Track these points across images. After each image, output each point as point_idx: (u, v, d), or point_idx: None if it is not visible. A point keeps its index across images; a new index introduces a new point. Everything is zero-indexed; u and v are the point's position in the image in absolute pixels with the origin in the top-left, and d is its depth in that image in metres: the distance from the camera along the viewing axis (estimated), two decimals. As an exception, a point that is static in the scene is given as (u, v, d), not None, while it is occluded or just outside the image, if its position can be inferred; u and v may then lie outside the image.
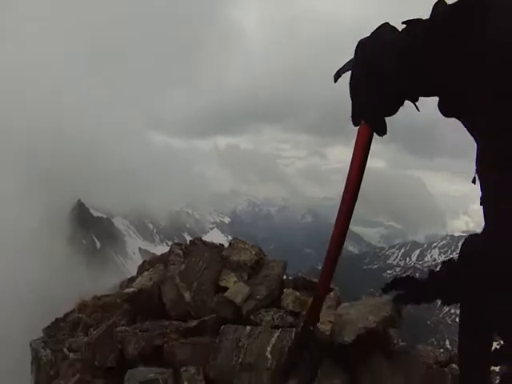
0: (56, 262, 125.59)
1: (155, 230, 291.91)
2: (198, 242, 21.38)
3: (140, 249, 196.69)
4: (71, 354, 6.50)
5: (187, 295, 5.60)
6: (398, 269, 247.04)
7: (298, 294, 4.56)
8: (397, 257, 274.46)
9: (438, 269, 3.27)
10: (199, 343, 4.63)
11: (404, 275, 3.83)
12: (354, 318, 4.27)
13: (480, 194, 1.78)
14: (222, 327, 4.35)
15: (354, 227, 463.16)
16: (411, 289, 3.49)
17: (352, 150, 2.41)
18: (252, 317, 4.90)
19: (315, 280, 5.96)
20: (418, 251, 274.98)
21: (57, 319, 9.67)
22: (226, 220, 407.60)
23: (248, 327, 4.21)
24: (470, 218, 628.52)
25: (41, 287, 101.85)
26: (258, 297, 5.24)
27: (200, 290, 5.78)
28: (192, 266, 6.10)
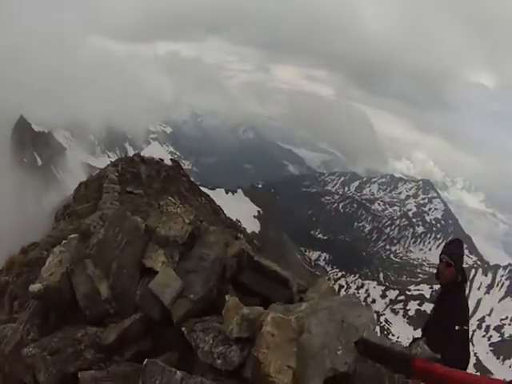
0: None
1: (96, 142, 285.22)
2: (136, 159, 19.75)
3: (81, 162, 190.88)
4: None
5: (104, 289, 4.55)
6: (336, 196, 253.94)
7: (245, 311, 3.42)
8: (336, 184, 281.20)
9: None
10: (118, 375, 3.52)
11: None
12: (318, 350, 3.38)
13: None
14: (145, 362, 3.21)
15: (295, 148, 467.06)
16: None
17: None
18: (184, 330, 3.81)
19: (262, 261, 4.97)
20: (357, 183, 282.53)
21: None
22: (168, 130, 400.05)
23: (179, 374, 3.09)
24: (412, 163, 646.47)
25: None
26: (191, 296, 4.20)
27: (120, 275, 4.72)
28: (109, 240, 4.99)
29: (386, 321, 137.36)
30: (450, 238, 5.91)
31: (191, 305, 4.08)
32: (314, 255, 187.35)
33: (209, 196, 24.12)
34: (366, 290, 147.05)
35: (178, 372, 3.06)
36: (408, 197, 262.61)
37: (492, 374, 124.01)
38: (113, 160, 18.26)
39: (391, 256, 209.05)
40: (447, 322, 4.99)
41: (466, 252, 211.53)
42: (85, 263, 4.74)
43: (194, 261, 4.63)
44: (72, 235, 5.31)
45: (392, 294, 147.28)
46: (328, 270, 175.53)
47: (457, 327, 4.92)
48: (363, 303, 4.03)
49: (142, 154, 19.40)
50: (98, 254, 4.89)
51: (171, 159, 22.61)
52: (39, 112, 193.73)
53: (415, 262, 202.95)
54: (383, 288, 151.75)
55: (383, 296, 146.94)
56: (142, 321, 4.17)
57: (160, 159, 20.21)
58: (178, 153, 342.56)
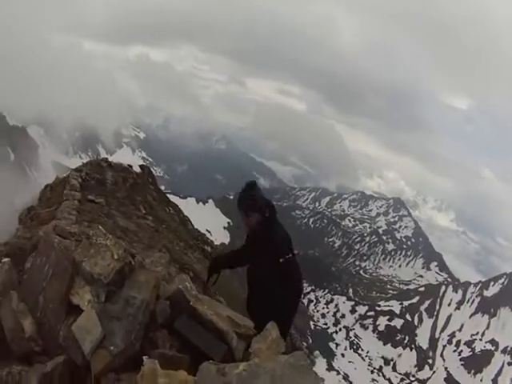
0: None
1: (69, 141, 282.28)
2: (103, 164, 18.95)
3: (53, 162, 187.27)
4: None
5: (27, 326, 4.17)
6: (306, 211, 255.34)
7: (161, 380, 2.89)
8: (307, 199, 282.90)
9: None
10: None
11: None
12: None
13: None
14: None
15: (266, 162, 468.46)
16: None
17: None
18: (103, 385, 3.54)
19: (198, 307, 4.38)
20: (327, 198, 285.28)
21: None
22: (141, 135, 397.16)
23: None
24: (383, 181, 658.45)
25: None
26: (111, 348, 3.81)
27: (47, 311, 4.29)
28: (37, 270, 4.53)
29: (356, 336, 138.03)
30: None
31: (111, 358, 3.74)
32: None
33: (177, 206, 23.37)
34: (336, 305, 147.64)
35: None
36: (378, 214, 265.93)
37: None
38: (84, 161, 17.39)
39: (361, 272, 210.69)
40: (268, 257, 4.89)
41: (437, 269, 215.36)
42: (11, 295, 4.39)
43: (120, 304, 4.22)
44: (4, 259, 4.95)
45: (361, 309, 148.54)
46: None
47: (281, 259, 4.90)
48: (311, 369, 3.44)
49: (112, 158, 18.51)
50: (26, 284, 4.54)
51: (140, 165, 21.59)
52: (13, 105, 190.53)
53: (385, 279, 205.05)
54: (353, 303, 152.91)
55: (353, 311, 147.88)
56: (65, 364, 3.85)
57: (129, 165, 19.28)
58: (150, 159, 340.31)
